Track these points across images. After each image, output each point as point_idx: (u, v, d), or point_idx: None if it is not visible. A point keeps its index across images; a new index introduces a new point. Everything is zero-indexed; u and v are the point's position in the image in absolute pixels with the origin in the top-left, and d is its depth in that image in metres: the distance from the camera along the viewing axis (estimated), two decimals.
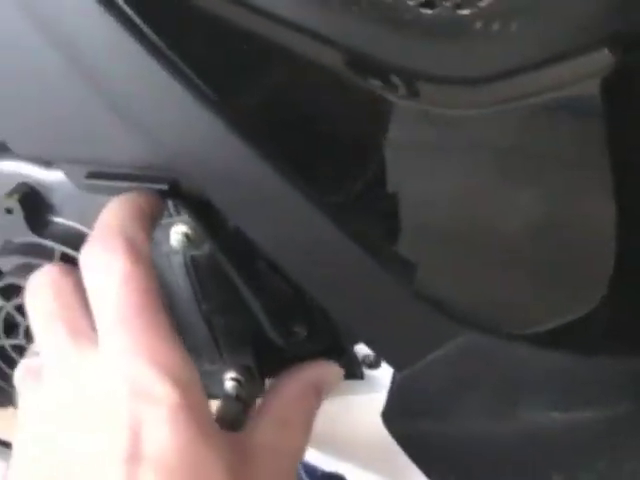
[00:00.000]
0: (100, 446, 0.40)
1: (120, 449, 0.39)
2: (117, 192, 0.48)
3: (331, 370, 0.50)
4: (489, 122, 0.51)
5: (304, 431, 0.47)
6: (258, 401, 0.51)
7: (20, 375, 0.47)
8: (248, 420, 0.48)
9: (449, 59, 0.48)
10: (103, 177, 0.48)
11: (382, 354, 0.51)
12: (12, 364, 0.60)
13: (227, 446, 0.42)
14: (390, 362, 0.51)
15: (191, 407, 0.40)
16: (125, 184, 0.47)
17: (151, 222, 0.45)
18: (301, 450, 0.47)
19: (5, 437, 0.75)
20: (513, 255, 0.51)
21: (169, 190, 0.47)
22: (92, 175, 0.48)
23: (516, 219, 0.52)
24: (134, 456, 0.39)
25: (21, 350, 0.59)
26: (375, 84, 0.48)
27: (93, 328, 0.43)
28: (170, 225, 0.51)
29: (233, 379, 0.55)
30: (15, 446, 0.44)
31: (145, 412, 0.39)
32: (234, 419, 0.52)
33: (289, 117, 0.49)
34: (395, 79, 0.48)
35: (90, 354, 0.42)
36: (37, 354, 0.47)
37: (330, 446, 0.53)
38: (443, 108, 0.49)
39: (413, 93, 0.49)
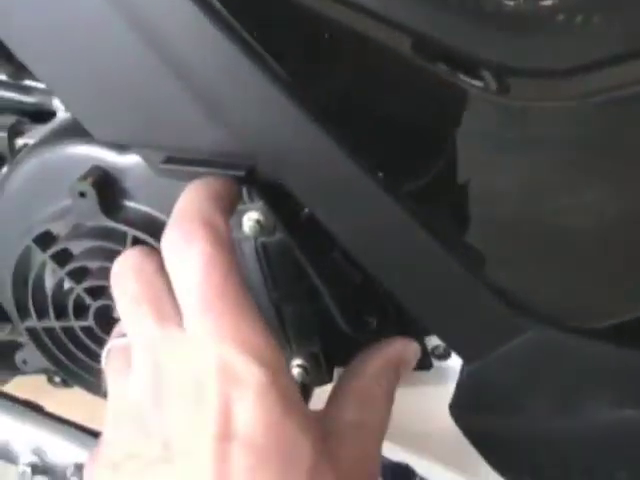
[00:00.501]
0: (191, 426, 0.40)
1: (211, 428, 0.39)
2: (194, 177, 0.48)
3: (410, 347, 0.50)
4: (568, 116, 0.51)
5: (386, 407, 0.48)
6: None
7: (108, 357, 0.48)
8: (330, 399, 0.48)
9: (533, 52, 0.48)
10: (180, 162, 0.48)
11: (451, 346, 0.51)
12: (80, 345, 0.60)
13: (313, 424, 0.42)
14: (459, 354, 0.51)
15: (278, 387, 0.40)
16: (202, 169, 0.47)
17: (229, 207, 0.46)
18: (384, 426, 0.47)
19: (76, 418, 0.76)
20: (585, 250, 0.51)
21: (245, 176, 0.47)
22: (169, 160, 0.48)
23: (590, 214, 0.51)
24: (224, 435, 0.39)
25: (90, 332, 0.59)
26: (462, 78, 0.48)
27: (177, 310, 0.43)
28: (243, 212, 0.51)
29: (300, 366, 0.56)
30: (107, 430, 0.45)
31: (234, 392, 0.40)
32: None
33: (366, 106, 0.49)
34: (485, 74, 0.47)
35: (177, 336, 0.43)
36: (123, 335, 0.47)
37: (397, 436, 0.53)
38: (530, 102, 0.48)
39: (504, 88, 0.48)
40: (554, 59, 0.48)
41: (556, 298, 0.51)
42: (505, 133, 0.52)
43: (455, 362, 0.51)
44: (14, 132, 0.63)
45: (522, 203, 0.52)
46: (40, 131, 0.62)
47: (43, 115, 0.64)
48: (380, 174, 0.46)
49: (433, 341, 0.51)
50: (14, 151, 0.62)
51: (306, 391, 0.57)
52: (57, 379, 0.70)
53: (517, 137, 0.52)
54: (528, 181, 0.53)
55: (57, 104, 0.63)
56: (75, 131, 0.55)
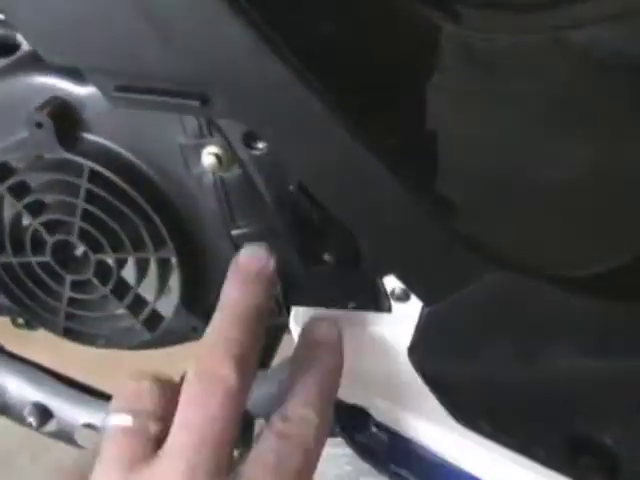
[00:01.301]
0: None
1: None
2: (147, 106, 0.47)
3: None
4: (528, 59, 0.50)
5: None
6: None
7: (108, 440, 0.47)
8: None
9: None
10: (133, 90, 0.47)
11: (412, 287, 0.50)
12: (39, 282, 0.59)
13: None
14: (419, 296, 0.50)
15: None
16: (155, 98, 0.46)
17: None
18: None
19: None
20: (554, 200, 0.50)
21: (200, 107, 0.46)
22: (122, 88, 0.47)
23: (560, 165, 0.50)
24: None
25: (48, 268, 0.58)
26: (437, 14, 0.47)
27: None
28: (202, 146, 0.50)
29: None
30: None
31: None
32: None
33: (329, 38, 0.47)
34: (459, 8, 0.46)
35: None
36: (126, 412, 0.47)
37: (355, 379, 0.52)
38: (485, 33, 0.47)
39: (455, 17, 0.47)
40: None
41: (522, 244, 0.50)
42: (478, 75, 0.51)
43: (415, 305, 0.50)
44: None
45: (492, 150, 0.51)
46: (1, 63, 0.60)
47: (7, 48, 0.62)
48: (346, 113, 0.45)
49: (392, 282, 0.50)
50: None
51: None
52: (20, 321, 0.69)
53: (490, 80, 0.51)
54: (500, 126, 0.52)
55: (21, 37, 0.61)
56: (34, 62, 0.54)
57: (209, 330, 0.47)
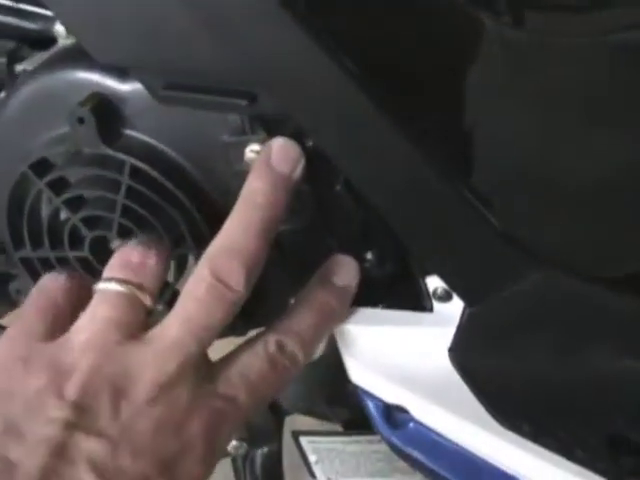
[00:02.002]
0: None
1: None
2: (194, 105, 0.47)
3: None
4: (578, 59, 0.50)
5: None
6: None
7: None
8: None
9: None
10: (181, 88, 0.47)
11: (455, 287, 0.50)
12: None
13: None
14: (462, 296, 0.50)
15: None
16: (203, 96, 0.46)
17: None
18: None
19: None
20: (599, 199, 0.50)
21: (247, 105, 0.46)
22: (170, 86, 0.47)
23: (600, 164, 0.50)
24: None
25: (85, 263, 0.58)
26: (480, 11, 0.46)
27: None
28: (245, 143, 0.50)
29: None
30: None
31: None
32: None
33: (379, 37, 0.47)
34: (502, 6, 0.46)
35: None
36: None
37: (394, 378, 0.52)
38: (544, 36, 0.47)
39: (519, 20, 0.47)
40: None
41: (565, 244, 0.50)
42: (519, 73, 0.51)
43: (456, 305, 0.50)
44: (14, 57, 0.62)
45: (535, 148, 0.51)
46: (40, 57, 0.60)
47: (43, 42, 0.62)
48: (391, 110, 0.45)
49: (435, 282, 0.50)
50: (13, 76, 0.61)
51: None
52: None
53: (531, 78, 0.50)
54: (542, 125, 0.52)
55: (58, 31, 0.61)
56: (75, 56, 0.54)
57: (231, 225, 0.47)
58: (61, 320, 0.47)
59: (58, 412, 0.43)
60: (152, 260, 0.48)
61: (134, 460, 0.42)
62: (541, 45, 0.48)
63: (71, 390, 0.43)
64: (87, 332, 0.46)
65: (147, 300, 0.47)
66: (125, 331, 0.46)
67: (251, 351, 0.48)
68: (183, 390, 0.44)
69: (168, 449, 0.43)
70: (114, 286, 0.47)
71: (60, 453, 0.41)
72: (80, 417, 0.42)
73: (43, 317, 0.47)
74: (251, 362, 0.47)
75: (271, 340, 0.48)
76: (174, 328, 0.45)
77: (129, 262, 0.48)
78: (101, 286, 0.48)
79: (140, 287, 0.47)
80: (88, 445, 0.42)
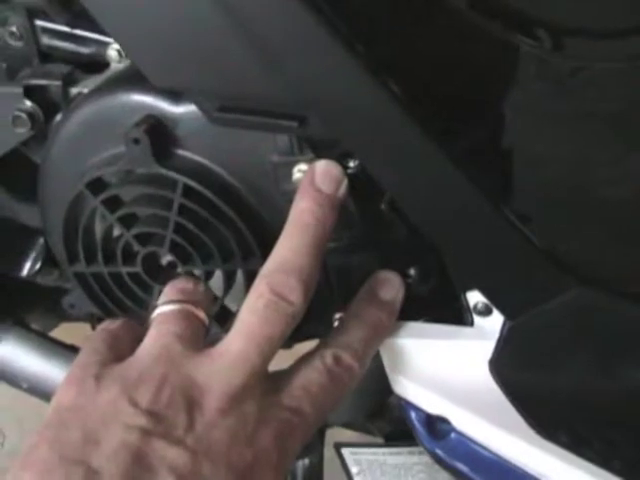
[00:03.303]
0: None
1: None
2: (247, 126, 0.49)
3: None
4: (616, 82, 0.51)
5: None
6: None
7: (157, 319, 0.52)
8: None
9: (589, 11, 0.48)
10: (235, 111, 0.49)
11: (495, 302, 0.51)
12: (127, 291, 0.62)
13: None
14: (502, 310, 0.51)
15: None
16: (256, 118, 0.48)
17: None
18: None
19: None
20: (635, 216, 0.51)
21: (298, 127, 0.48)
22: (224, 109, 0.49)
23: (635, 183, 0.51)
24: None
25: (137, 278, 0.60)
26: (520, 38, 0.48)
27: None
28: (293, 163, 0.52)
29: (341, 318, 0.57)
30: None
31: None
32: None
33: (423, 62, 0.49)
34: (541, 32, 0.48)
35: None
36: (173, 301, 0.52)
37: (436, 389, 0.54)
38: (584, 61, 0.48)
39: (559, 46, 0.49)
40: (609, 19, 0.48)
41: (604, 261, 0.51)
42: (557, 96, 0.52)
43: (496, 319, 0.52)
44: (68, 81, 0.64)
45: (573, 168, 0.53)
46: (94, 81, 0.63)
47: (97, 66, 0.65)
48: (431, 129, 0.47)
49: (475, 297, 0.52)
50: (68, 99, 0.63)
51: None
52: None
53: (569, 100, 0.52)
54: (579, 146, 0.53)
55: (110, 55, 0.64)
56: (130, 80, 0.56)
57: (284, 244, 0.49)
58: (125, 349, 0.50)
59: (133, 419, 0.44)
60: (201, 286, 0.52)
61: (214, 468, 0.44)
62: (578, 69, 0.50)
63: (144, 398, 0.45)
64: (153, 347, 0.48)
65: (203, 316, 0.50)
66: (188, 345, 0.48)
67: (310, 365, 0.50)
68: (251, 402, 0.46)
69: (244, 459, 0.45)
70: (172, 306, 0.50)
71: (140, 460, 0.43)
72: (156, 425, 0.44)
73: (109, 345, 0.50)
74: (311, 375, 0.49)
75: (328, 354, 0.50)
76: (238, 342, 0.47)
77: (181, 288, 0.52)
78: (159, 310, 0.51)
79: (195, 304, 0.50)
80: (168, 453, 0.44)
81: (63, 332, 0.80)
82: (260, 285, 0.48)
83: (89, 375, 0.47)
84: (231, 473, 0.44)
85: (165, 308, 0.50)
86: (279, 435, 0.47)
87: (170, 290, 0.52)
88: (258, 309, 0.47)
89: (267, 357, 0.47)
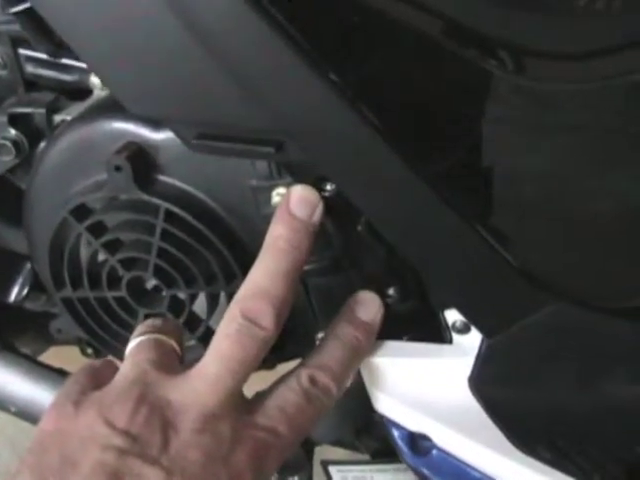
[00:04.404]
0: None
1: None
2: (225, 153, 0.50)
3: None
4: (589, 100, 0.52)
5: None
6: None
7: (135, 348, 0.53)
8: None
9: (553, 35, 0.49)
10: (212, 138, 0.50)
11: (472, 320, 0.52)
12: (113, 315, 0.63)
13: None
14: (480, 328, 0.52)
15: None
16: (233, 145, 0.49)
17: None
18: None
19: None
20: (609, 233, 0.52)
21: (274, 153, 0.49)
22: (202, 136, 0.50)
23: (613, 198, 0.52)
24: None
25: (122, 302, 0.61)
26: (481, 58, 0.49)
27: None
28: (272, 187, 0.53)
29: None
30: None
31: None
32: None
33: (397, 88, 0.50)
34: (502, 54, 0.49)
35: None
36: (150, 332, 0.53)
37: (417, 407, 0.55)
38: (547, 83, 0.49)
39: (519, 68, 0.50)
40: (573, 43, 0.49)
41: (579, 276, 0.52)
42: (524, 117, 0.53)
43: (475, 337, 0.53)
44: (52, 108, 0.65)
45: (548, 187, 0.54)
46: (77, 108, 0.64)
47: (80, 93, 0.66)
48: (406, 153, 0.48)
49: (453, 315, 0.53)
50: (52, 127, 0.64)
51: None
52: (89, 350, 0.72)
53: (536, 120, 0.53)
54: (555, 164, 0.54)
55: (94, 82, 0.64)
56: (111, 108, 0.57)
57: (258, 270, 0.50)
58: (105, 380, 0.51)
59: (110, 439, 0.45)
60: (169, 319, 0.56)
61: None
62: (549, 91, 0.51)
63: (121, 419, 0.46)
64: (129, 372, 0.50)
65: (174, 343, 0.52)
66: (163, 369, 0.49)
67: (286, 386, 0.51)
68: (226, 422, 0.47)
69: (219, 478, 0.46)
70: (144, 337, 0.52)
71: (117, 479, 0.44)
72: (132, 445, 0.45)
73: (89, 376, 0.51)
74: (287, 396, 0.50)
75: (304, 375, 0.51)
76: (211, 365, 0.48)
77: (150, 323, 0.53)
78: (132, 342, 0.52)
79: (165, 333, 0.52)
80: (143, 471, 0.44)
81: (53, 356, 0.80)
82: (233, 310, 0.49)
83: (69, 401, 0.48)
84: None
85: (138, 339, 0.52)
86: (254, 455, 0.47)
87: (141, 326, 0.53)
88: (230, 334, 0.48)
89: (241, 379, 0.48)
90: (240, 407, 0.49)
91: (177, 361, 0.52)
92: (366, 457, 0.72)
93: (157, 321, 0.54)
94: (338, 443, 0.73)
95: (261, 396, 0.50)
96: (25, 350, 0.77)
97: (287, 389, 0.50)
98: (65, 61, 0.66)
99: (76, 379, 0.51)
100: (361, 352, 0.54)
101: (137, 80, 0.49)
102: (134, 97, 0.50)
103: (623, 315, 0.50)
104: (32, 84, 0.68)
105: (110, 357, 0.56)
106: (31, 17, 0.59)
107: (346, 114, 0.46)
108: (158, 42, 0.47)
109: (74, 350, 0.74)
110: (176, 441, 0.46)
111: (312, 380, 0.51)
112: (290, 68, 0.45)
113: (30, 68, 0.67)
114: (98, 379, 0.51)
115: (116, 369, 0.52)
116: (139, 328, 0.54)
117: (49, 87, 0.67)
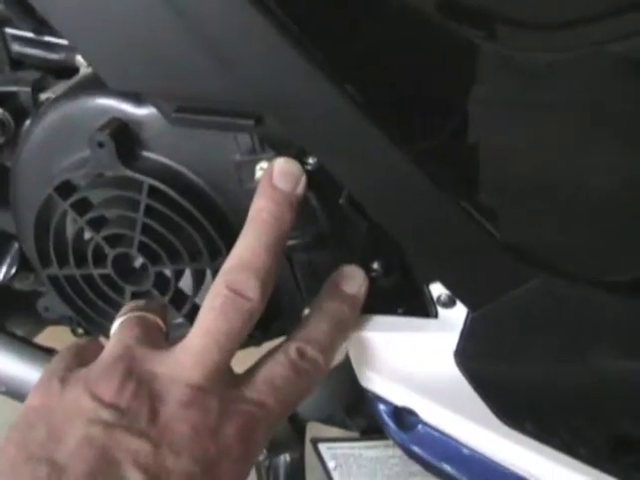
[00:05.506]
0: None
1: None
2: (205, 126, 0.50)
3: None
4: (570, 72, 0.52)
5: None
6: None
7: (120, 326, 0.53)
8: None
9: (527, 4, 0.49)
10: (192, 111, 0.50)
11: (457, 293, 0.52)
12: (99, 293, 0.62)
13: None
14: (465, 301, 0.52)
15: None
16: (213, 118, 0.49)
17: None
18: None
19: None
20: (595, 206, 0.52)
21: (254, 125, 0.48)
22: (181, 109, 0.50)
23: (599, 171, 0.52)
24: None
25: (108, 279, 0.61)
26: (466, 29, 0.49)
27: None
28: (255, 162, 0.53)
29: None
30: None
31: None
32: None
33: (381, 64, 0.50)
34: (487, 24, 0.48)
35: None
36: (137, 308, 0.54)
37: (402, 381, 0.54)
38: (520, 51, 0.49)
39: (501, 38, 0.49)
40: (547, 12, 0.49)
41: (565, 249, 0.52)
42: (508, 93, 0.53)
43: (460, 311, 0.53)
44: (38, 87, 0.65)
45: (533, 160, 0.53)
46: (62, 86, 0.63)
47: (67, 71, 0.66)
48: (390, 129, 0.47)
49: (438, 289, 0.52)
50: (38, 105, 0.64)
51: None
52: (80, 330, 0.72)
53: (520, 96, 0.53)
54: (540, 138, 0.54)
55: (80, 60, 0.64)
56: (94, 84, 0.57)
57: (242, 243, 0.50)
58: (90, 358, 0.50)
59: (96, 413, 0.45)
60: (156, 300, 0.56)
61: (177, 460, 0.45)
62: (532, 64, 0.51)
63: (107, 393, 0.46)
64: (115, 348, 0.49)
65: (158, 320, 0.52)
66: (149, 345, 0.49)
67: (273, 359, 0.51)
68: (214, 395, 0.47)
69: (207, 451, 0.46)
70: (128, 315, 0.52)
71: (104, 453, 0.44)
72: (119, 418, 0.45)
73: (75, 354, 0.51)
74: (275, 369, 0.50)
75: (292, 347, 0.51)
76: (197, 338, 0.48)
77: (133, 304, 0.54)
78: (117, 321, 0.52)
79: (149, 311, 0.52)
80: (131, 444, 0.44)
81: (48, 337, 0.80)
82: (218, 283, 0.48)
83: (55, 378, 0.48)
84: (195, 465, 0.45)
85: (122, 318, 0.52)
86: (243, 428, 0.47)
87: (125, 307, 0.54)
88: (215, 306, 0.48)
89: (227, 352, 0.48)
90: (228, 381, 0.48)
91: (162, 337, 0.52)
92: (356, 435, 0.72)
93: (140, 301, 0.54)
94: (329, 420, 0.73)
95: (249, 370, 0.50)
96: (19, 331, 0.77)
97: (275, 363, 0.50)
98: (51, 39, 0.66)
99: (62, 357, 0.51)
100: (346, 325, 0.54)
101: (114, 53, 0.48)
102: (113, 71, 0.49)
103: (608, 288, 0.50)
104: (18, 63, 0.67)
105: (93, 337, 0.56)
106: None
107: (325, 87, 0.46)
108: (134, 14, 0.46)
109: (69, 332, 0.74)
110: (164, 414, 0.46)
111: (300, 353, 0.51)
112: (269, 41, 0.45)
113: (16, 47, 0.67)
114: (84, 357, 0.51)
115: (102, 348, 0.51)
116: (123, 309, 0.54)
117: (35, 66, 0.67)
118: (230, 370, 0.49)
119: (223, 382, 0.48)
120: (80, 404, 0.46)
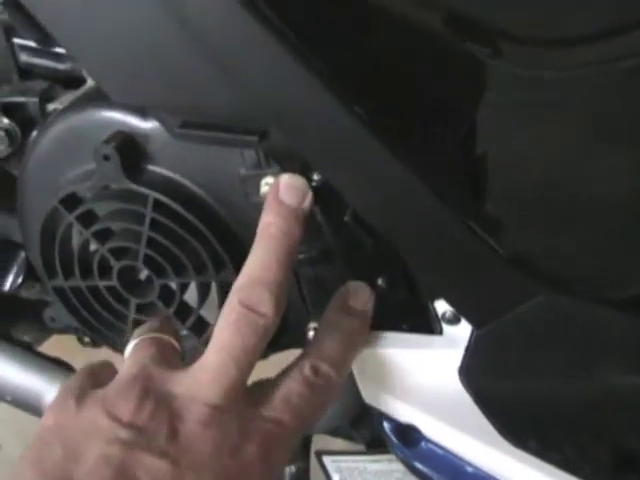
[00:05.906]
0: None
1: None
2: (208, 141, 0.50)
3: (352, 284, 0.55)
4: (579, 85, 0.51)
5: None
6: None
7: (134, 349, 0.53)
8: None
9: (533, 21, 0.49)
10: (196, 127, 0.50)
11: (461, 311, 0.52)
12: (104, 304, 0.62)
13: None
14: (469, 319, 0.52)
15: None
16: (217, 134, 0.49)
17: None
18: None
19: None
20: (602, 220, 0.51)
21: (258, 141, 0.48)
22: (185, 124, 0.50)
23: (607, 183, 0.52)
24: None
25: (113, 291, 0.61)
26: (469, 44, 0.49)
27: None
28: (260, 177, 0.53)
29: (316, 329, 0.57)
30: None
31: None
32: None
33: (385, 77, 0.50)
34: (491, 40, 0.48)
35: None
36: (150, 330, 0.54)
37: (406, 398, 0.54)
38: (526, 69, 0.49)
39: (497, 53, 0.49)
40: (553, 29, 0.49)
41: (571, 266, 0.52)
42: (516, 103, 0.53)
43: (465, 328, 0.52)
44: (45, 97, 0.65)
45: (534, 173, 0.53)
46: (69, 97, 0.63)
47: (75, 82, 0.66)
48: (394, 143, 0.47)
49: (443, 306, 0.52)
50: (45, 116, 0.64)
51: None
52: (87, 339, 0.73)
53: (525, 107, 0.52)
54: (541, 151, 0.54)
55: None
56: (101, 96, 0.57)
57: (252, 259, 0.50)
58: (105, 379, 0.50)
59: (114, 432, 0.45)
60: (162, 319, 0.55)
61: (197, 478, 0.45)
62: (537, 77, 0.50)
63: (124, 412, 0.46)
64: (131, 369, 0.49)
65: (172, 340, 0.52)
66: (165, 365, 0.49)
67: (289, 377, 0.51)
68: (232, 415, 0.47)
69: (228, 471, 0.46)
70: (144, 336, 0.52)
71: (123, 471, 0.44)
72: (138, 437, 0.45)
73: (90, 374, 0.52)
74: (290, 386, 0.50)
75: (306, 365, 0.51)
76: (214, 356, 0.48)
77: (149, 325, 0.54)
78: (131, 344, 0.52)
79: (161, 331, 0.53)
80: (150, 463, 0.44)
81: (54, 345, 0.80)
82: (232, 301, 0.49)
83: (70, 397, 0.48)
84: None
85: (136, 340, 0.52)
86: (262, 446, 0.47)
87: (138, 329, 0.54)
88: (230, 323, 0.48)
89: (244, 369, 0.48)
90: (245, 399, 0.48)
91: (177, 357, 0.52)
92: (362, 448, 0.72)
93: (153, 322, 0.54)
94: (334, 433, 0.73)
95: (265, 387, 0.50)
96: (25, 339, 0.77)
97: (290, 380, 0.50)
98: (59, 50, 0.66)
99: (76, 378, 0.51)
100: (358, 340, 0.54)
101: (118, 67, 0.48)
102: (116, 85, 0.49)
103: (613, 305, 0.50)
104: (26, 73, 0.67)
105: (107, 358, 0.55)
106: (18, 5, 0.58)
107: (329, 102, 0.46)
108: (138, 28, 0.46)
109: (75, 340, 0.74)
110: (183, 433, 0.46)
111: (314, 370, 0.51)
112: (273, 56, 0.45)
113: (24, 57, 0.67)
114: (98, 378, 0.51)
115: (115, 371, 0.52)
116: (136, 331, 0.54)
117: (43, 76, 0.67)
118: (247, 388, 0.49)
119: (241, 400, 0.48)
120: (97, 424, 0.46)
